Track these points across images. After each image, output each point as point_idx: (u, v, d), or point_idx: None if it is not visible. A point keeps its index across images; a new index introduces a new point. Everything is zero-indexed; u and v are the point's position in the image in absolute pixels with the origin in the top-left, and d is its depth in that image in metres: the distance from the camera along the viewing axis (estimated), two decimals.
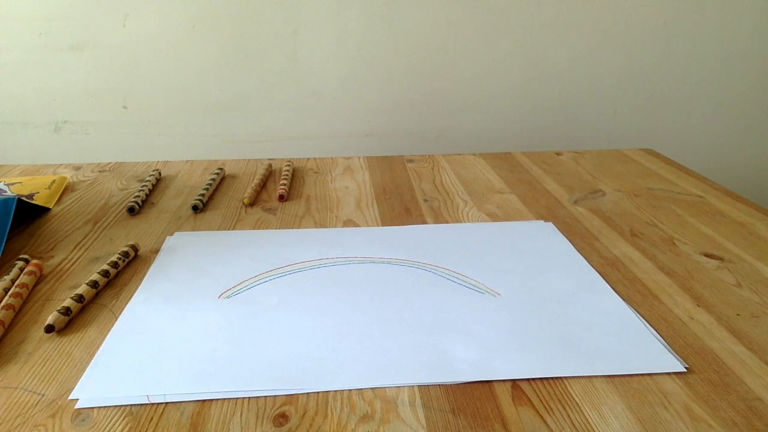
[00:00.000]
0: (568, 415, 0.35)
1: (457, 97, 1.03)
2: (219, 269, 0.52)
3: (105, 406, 0.35)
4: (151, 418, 0.34)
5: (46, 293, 0.48)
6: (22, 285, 0.47)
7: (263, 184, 0.74)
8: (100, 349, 0.41)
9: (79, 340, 0.42)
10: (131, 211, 0.64)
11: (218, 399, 0.36)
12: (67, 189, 0.72)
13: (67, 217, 0.64)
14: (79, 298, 0.45)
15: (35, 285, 0.49)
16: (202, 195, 0.67)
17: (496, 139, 1.07)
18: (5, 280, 0.48)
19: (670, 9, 0.99)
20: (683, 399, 0.36)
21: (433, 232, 0.59)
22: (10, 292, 0.46)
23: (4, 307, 0.44)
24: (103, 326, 0.43)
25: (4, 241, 0.54)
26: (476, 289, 0.49)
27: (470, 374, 0.38)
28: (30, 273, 0.49)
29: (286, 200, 0.69)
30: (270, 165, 0.79)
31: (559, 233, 0.59)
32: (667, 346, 0.41)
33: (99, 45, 0.94)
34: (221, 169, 0.76)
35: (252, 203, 0.68)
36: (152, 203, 0.68)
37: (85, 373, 0.38)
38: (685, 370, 0.38)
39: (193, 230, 0.60)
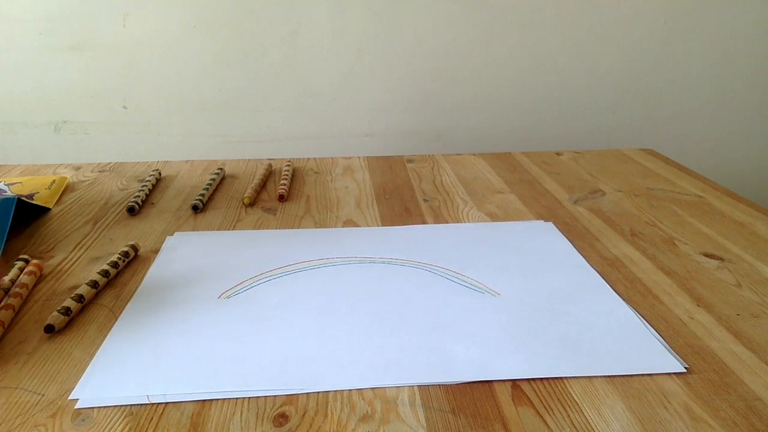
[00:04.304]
0: (568, 415, 0.35)
1: (457, 97, 1.03)
2: (219, 269, 0.52)
3: (105, 406, 0.35)
4: (151, 418, 0.34)
5: (46, 293, 0.48)
6: (22, 285, 0.47)
7: (263, 184, 0.74)
8: (100, 349, 0.41)
9: (79, 340, 0.42)
10: (131, 211, 0.64)
11: (218, 399, 0.36)
12: (67, 189, 0.72)
13: (67, 217, 0.64)
14: (79, 298, 0.45)
15: (35, 285, 0.49)
16: (202, 195, 0.67)
17: (496, 139, 1.07)
18: (5, 280, 0.48)
19: (670, 9, 0.99)
20: (683, 399, 0.36)
21: (433, 232, 0.59)
22: (10, 292, 0.46)
23: (4, 307, 0.44)
24: (103, 326, 0.43)
25: (4, 241, 0.54)
26: (476, 289, 0.49)
27: (470, 374, 0.38)
28: (30, 273, 0.49)
29: (286, 200, 0.69)
30: (270, 165, 0.79)
31: (559, 233, 0.59)
32: (667, 346, 0.41)
33: (98, 45, 0.94)
34: (221, 169, 0.76)
35: (252, 203, 0.68)
36: (152, 203, 0.68)
37: (85, 373, 0.38)
38: (685, 370, 0.38)
39: (193, 230, 0.60)
